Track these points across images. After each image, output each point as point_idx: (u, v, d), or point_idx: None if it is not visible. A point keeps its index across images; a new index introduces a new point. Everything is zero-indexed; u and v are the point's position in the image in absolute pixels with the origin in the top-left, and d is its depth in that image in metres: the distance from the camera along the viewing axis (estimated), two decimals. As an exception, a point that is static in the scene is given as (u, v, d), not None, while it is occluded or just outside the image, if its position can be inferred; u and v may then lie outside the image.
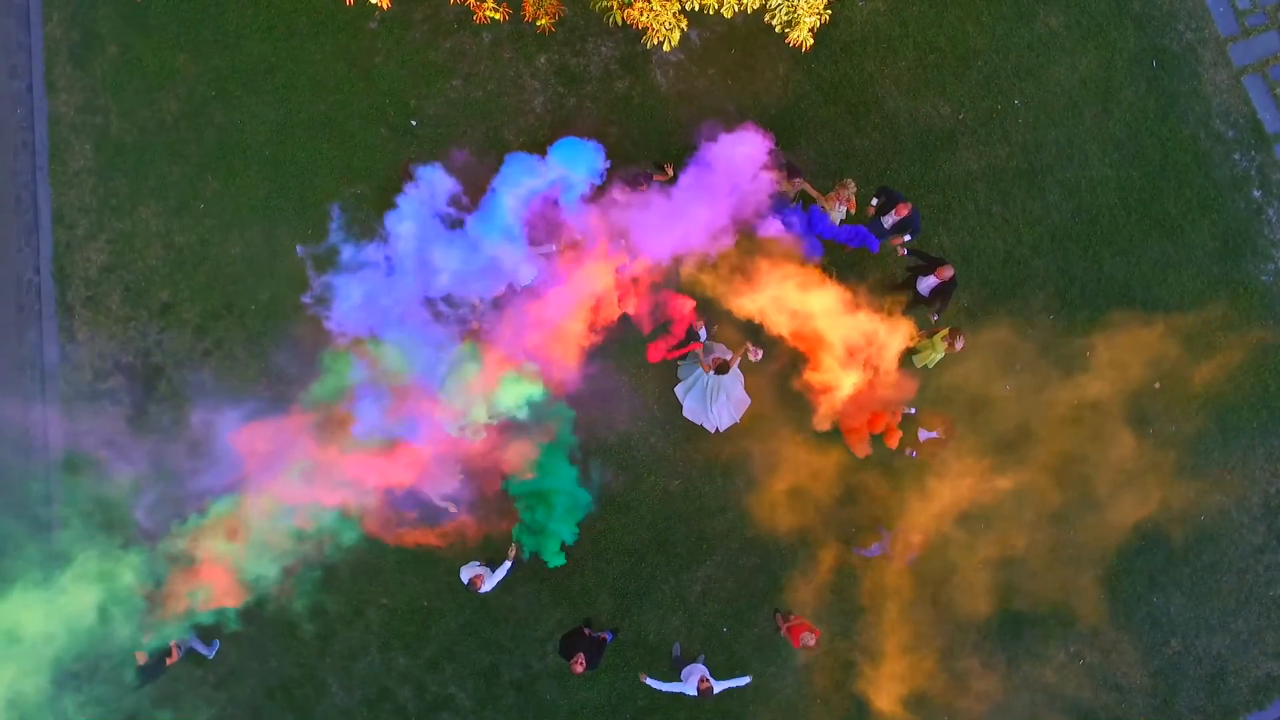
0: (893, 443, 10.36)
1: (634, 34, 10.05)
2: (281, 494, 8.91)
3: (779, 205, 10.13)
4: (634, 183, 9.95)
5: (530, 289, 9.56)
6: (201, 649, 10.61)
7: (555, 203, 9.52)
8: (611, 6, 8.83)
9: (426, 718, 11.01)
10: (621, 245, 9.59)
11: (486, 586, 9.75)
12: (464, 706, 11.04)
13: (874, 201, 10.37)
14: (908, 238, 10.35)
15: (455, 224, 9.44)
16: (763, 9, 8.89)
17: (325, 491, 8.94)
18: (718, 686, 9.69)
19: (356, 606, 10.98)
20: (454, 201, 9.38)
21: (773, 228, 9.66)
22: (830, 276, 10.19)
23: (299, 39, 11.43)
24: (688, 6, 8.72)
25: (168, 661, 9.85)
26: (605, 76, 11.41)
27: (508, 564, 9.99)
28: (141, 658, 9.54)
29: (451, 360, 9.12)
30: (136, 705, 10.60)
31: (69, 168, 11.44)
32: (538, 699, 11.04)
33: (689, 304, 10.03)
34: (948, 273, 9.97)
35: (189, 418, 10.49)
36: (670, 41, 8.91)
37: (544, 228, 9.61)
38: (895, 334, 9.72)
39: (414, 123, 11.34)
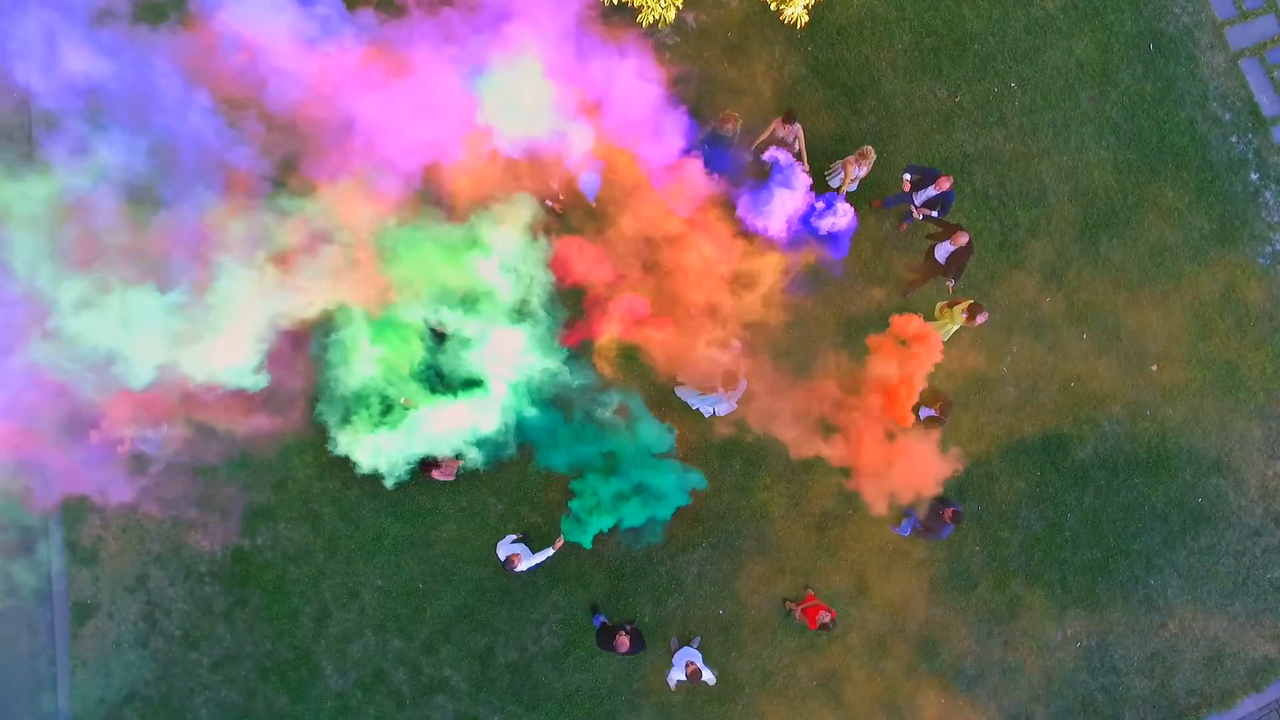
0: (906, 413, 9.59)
1: (630, 12, 10.02)
2: None
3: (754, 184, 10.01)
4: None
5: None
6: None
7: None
8: (607, -16, 8.84)
9: (421, 700, 10.99)
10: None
11: (522, 566, 9.68)
12: (459, 689, 11.01)
13: (906, 177, 10.19)
14: (935, 214, 10.25)
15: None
16: (758, -14, 8.90)
17: None
18: (689, 661, 9.71)
19: (352, 589, 10.96)
20: None
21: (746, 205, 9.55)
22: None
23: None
24: (682, -15, 8.73)
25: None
26: (601, 59, 11.40)
27: (550, 551, 9.96)
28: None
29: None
30: (132, 685, 10.60)
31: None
32: (533, 681, 11.01)
33: None
34: (963, 238, 9.88)
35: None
36: (665, 19, 8.91)
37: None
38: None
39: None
